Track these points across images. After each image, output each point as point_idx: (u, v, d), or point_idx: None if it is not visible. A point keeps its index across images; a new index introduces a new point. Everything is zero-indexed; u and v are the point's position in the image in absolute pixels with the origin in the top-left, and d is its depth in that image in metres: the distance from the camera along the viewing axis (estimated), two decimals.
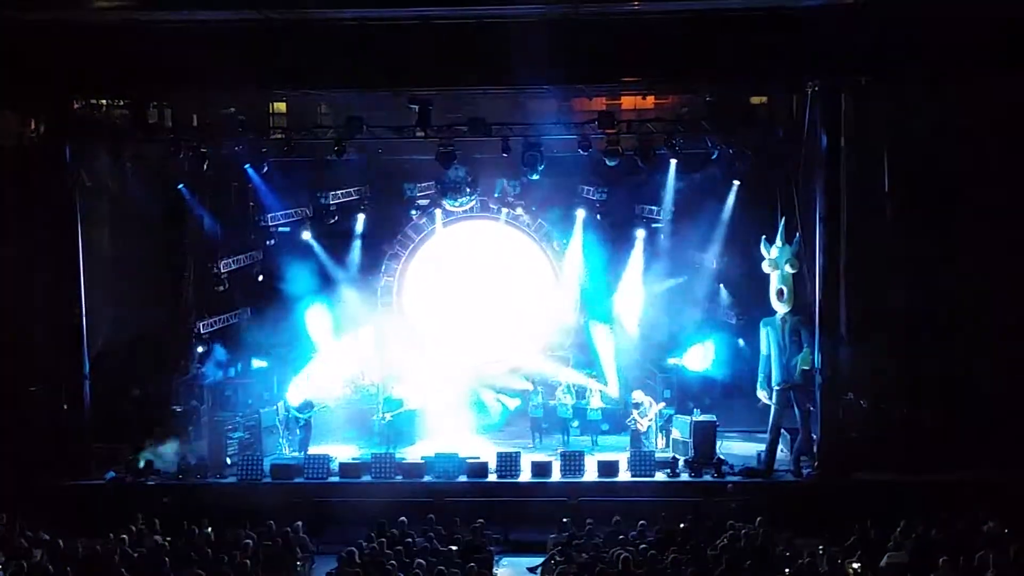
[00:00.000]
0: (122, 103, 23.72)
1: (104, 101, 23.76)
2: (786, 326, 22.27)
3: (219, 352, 26.33)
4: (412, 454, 23.45)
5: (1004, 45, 20.62)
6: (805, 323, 22.22)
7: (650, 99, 26.45)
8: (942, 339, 22.97)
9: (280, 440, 24.46)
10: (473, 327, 27.73)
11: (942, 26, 20.50)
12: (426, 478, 22.07)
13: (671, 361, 25.33)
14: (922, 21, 20.56)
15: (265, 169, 24.61)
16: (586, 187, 26.62)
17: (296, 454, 23.71)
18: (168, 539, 17.58)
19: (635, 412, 23.42)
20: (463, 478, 22.02)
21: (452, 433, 24.72)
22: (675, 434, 23.55)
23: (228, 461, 22.89)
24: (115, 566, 16.09)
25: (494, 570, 17.81)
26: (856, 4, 20.47)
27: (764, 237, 22.79)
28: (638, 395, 23.78)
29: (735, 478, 21.74)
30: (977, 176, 22.60)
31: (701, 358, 24.98)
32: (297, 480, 22.23)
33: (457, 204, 27.30)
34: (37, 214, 23.05)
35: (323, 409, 25.39)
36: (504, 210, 27.57)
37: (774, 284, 22.51)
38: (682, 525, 18.12)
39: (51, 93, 22.48)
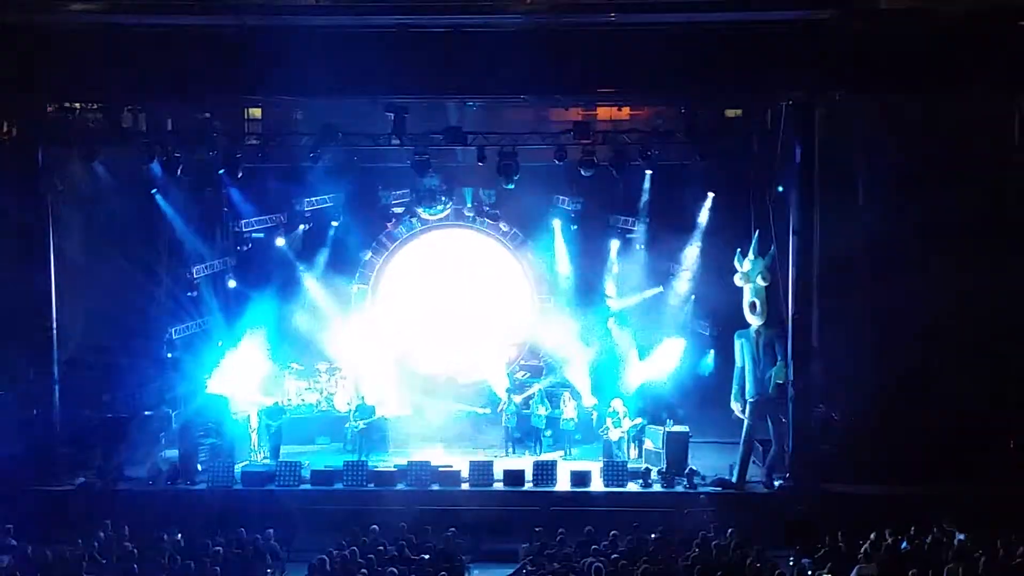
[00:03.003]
0: (96, 107, 23.58)
1: (78, 105, 23.62)
2: (760, 339, 22.34)
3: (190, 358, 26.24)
4: (384, 462, 23.40)
5: (977, 60, 20.81)
6: (779, 336, 22.29)
7: (625, 110, 26.54)
8: (914, 352, 23.07)
9: (251, 447, 24.32)
10: (447, 336, 27.74)
11: (915, 41, 20.72)
12: (398, 486, 21.98)
13: (635, 375, 25.36)
14: (896, 36, 20.77)
15: (239, 175, 24.51)
16: (561, 197, 26.70)
17: (267, 461, 23.60)
18: (137, 546, 17.44)
19: (608, 421, 23.45)
20: (436, 486, 21.94)
21: (424, 441, 24.75)
22: (648, 445, 23.60)
23: (199, 467, 22.74)
24: (84, 572, 15.98)
25: None
26: (830, 19, 20.62)
27: (738, 250, 22.86)
28: (617, 404, 23.79)
29: (708, 489, 21.78)
30: (950, 189, 22.73)
31: (662, 366, 25.03)
32: (268, 487, 22.09)
33: (432, 212, 27.35)
34: (8, 218, 22.86)
35: (294, 416, 25.32)
36: (478, 219, 27.59)
37: (747, 297, 22.59)
38: (653, 536, 18.14)
39: (24, 97, 22.28)
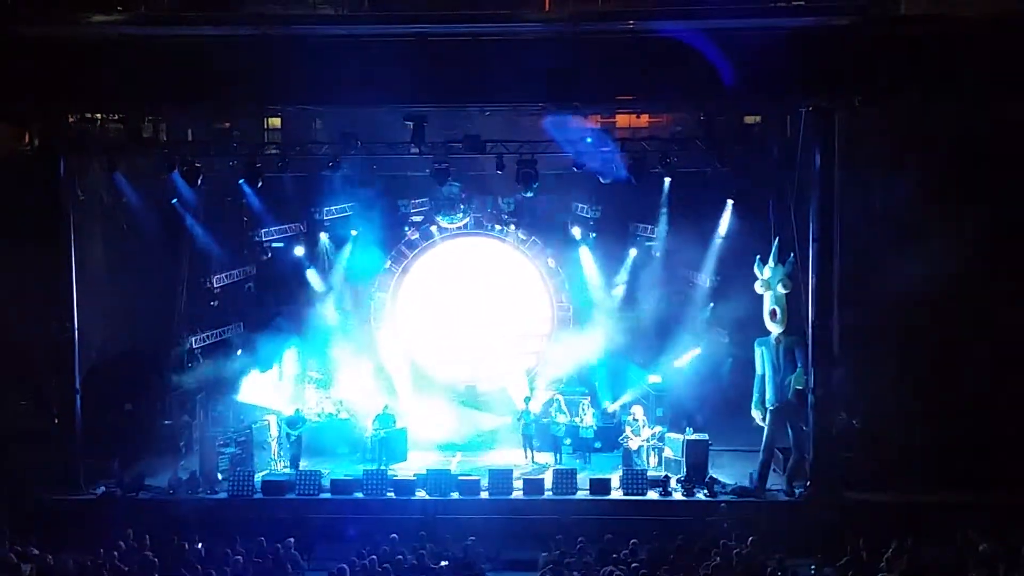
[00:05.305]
0: (117, 118, 23.69)
1: (99, 116, 23.74)
2: (780, 346, 22.25)
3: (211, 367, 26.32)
4: (404, 470, 23.41)
5: (997, 66, 20.73)
6: (799, 343, 22.20)
7: (644, 118, 26.49)
8: (936, 359, 22.95)
9: (271, 456, 24.38)
10: (466, 344, 27.76)
11: (935, 46, 20.65)
12: (418, 495, 21.99)
13: (650, 380, 25.39)
14: (915, 41, 20.71)
15: (259, 184, 24.60)
16: (580, 204, 26.68)
17: (287, 470, 23.64)
18: (158, 555, 17.49)
19: (628, 430, 23.41)
20: (455, 495, 21.93)
21: (443, 449, 24.76)
22: (667, 453, 23.53)
23: (219, 476, 22.79)
24: None
25: None
26: (850, 25, 20.58)
27: (758, 257, 22.80)
28: (637, 411, 23.80)
29: (728, 497, 21.72)
30: (971, 195, 22.62)
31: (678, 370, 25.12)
32: (288, 496, 22.14)
33: (451, 221, 27.38)
34: (30, 228, 22.97)
35: (314, 425, 25.35)
36: (497, 227, 27.60)
37: (767, 304, 22.51)
38: (674, 544, 18.09)
39: (46, 107, 22.41)
